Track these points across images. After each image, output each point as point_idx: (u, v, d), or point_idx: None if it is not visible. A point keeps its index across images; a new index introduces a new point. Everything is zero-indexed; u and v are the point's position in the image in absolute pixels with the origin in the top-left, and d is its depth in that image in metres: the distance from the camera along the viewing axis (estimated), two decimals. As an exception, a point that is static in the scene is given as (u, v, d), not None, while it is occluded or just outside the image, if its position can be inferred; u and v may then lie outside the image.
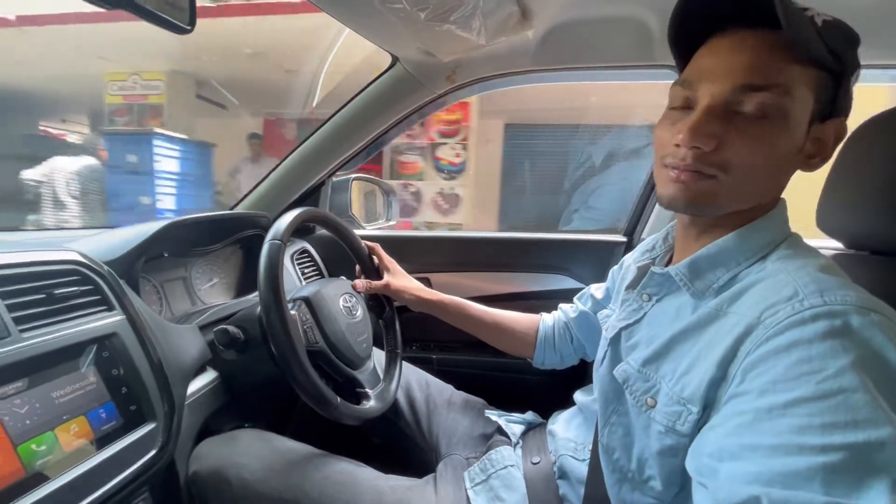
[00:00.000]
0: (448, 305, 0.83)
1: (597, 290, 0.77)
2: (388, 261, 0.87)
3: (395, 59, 0.98)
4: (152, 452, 0.53)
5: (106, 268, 0.58)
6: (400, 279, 0.86)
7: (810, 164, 0.43)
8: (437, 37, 0.79)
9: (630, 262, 0.65)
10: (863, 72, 0.86)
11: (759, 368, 0.36)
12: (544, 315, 0.84)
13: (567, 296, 0.87)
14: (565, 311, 0.82)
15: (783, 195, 0.48)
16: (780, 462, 0.31)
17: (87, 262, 0.56)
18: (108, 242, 0.70)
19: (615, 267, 0.72)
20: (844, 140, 0.59)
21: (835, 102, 0.41)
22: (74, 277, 0.54)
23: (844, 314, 0.34)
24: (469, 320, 0.83)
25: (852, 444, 0.30)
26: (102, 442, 0.49)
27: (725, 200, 0.43)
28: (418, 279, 1.13)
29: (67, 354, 0.50)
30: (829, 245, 0.62)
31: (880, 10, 0.73)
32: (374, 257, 0.87)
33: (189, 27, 0.57)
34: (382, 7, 0.71)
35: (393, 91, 1.04)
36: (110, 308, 0.56)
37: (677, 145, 0.42)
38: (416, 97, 1.05)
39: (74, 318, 0.52)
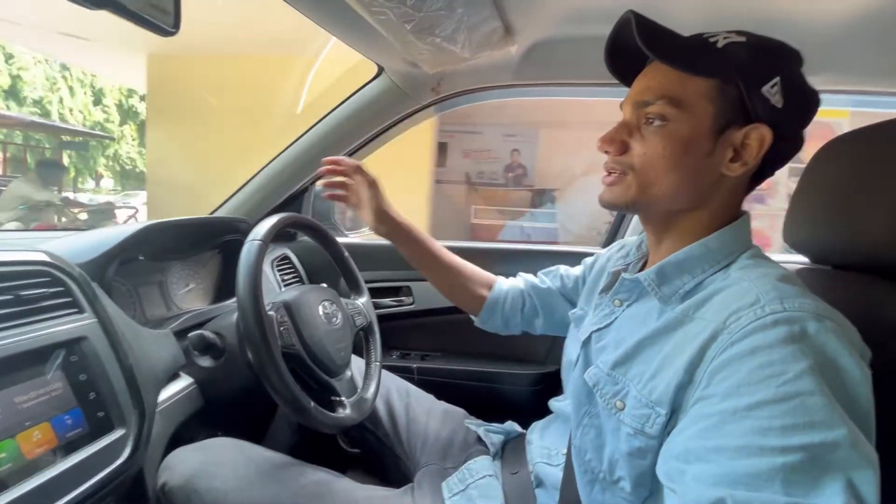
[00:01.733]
0: (412, 232, 0.77)
1: (566, 272, 0.79)
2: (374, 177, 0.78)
3: (380, 69, 1.00)
4: (120, 461, 0.51)
5: (77, 269, 0.56)
6: (375, 189, 0.76)
7: (732, 167, 0.46)
8: (423, 49, 0.80)
9: (604, 262, 0.69)
10: (833, 97, 0.91)
11: (723, 372, 0.37)
12: (500, 278, 0.82)
13: None
14: (530, 281, 0.81)
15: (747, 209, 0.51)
16: (743, 463, 0.33)
17: (57, 263, 0.54)
18: (81, 244, 0.68)
19: (589, 259, 0.75)
20: (811, 158, 0.63)
21: (748, 109, 0.44)
22: (43, 279, 0.53)
23: (802, 320, 0.37)
24: (426, 254, 0.78)
25: (810, 444, 0.32)
26: (67, 450, 0.48)
27: (636, 196, 0.49)
28: (398, 287, 1.13)
29: (33, 358, 0.48)
30: (794, 259, 0.65)
31: (839, 39, 0.78)
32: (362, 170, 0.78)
33: (174, 30, 0.57)
34: (369, 18, 0.72)
35: (377, 100, 1.05)
36: (80, 311, 0.54)
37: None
38: (401, 107, 1.07)
39: (42, 321, 0.50)
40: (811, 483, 0.31)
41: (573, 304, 0.75)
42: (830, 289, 0.58)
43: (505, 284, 0.81)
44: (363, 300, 0.89)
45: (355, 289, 0.90)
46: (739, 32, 0.46)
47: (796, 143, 0.48)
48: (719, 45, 0.45)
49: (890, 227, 0.52)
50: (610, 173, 0.51)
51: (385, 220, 0.76)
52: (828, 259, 0.64)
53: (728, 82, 0.44)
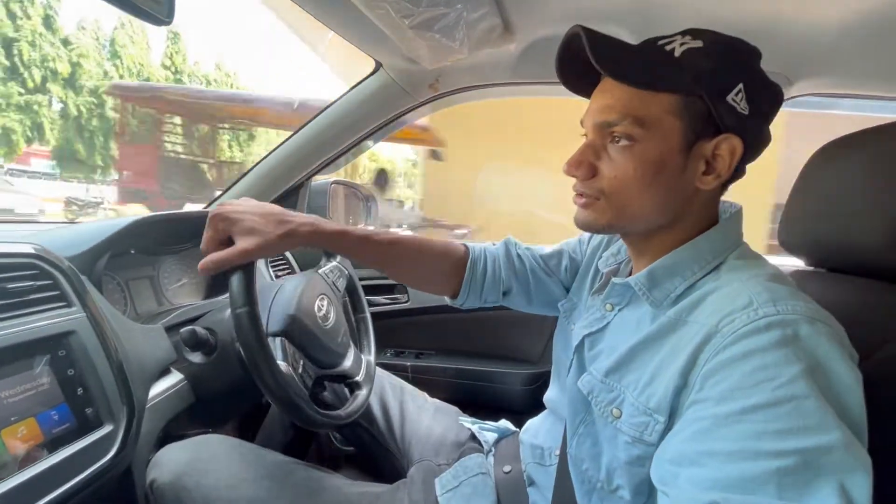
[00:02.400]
0: (351, 233, 0.61)
1: (541, 248, 0.72)
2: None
3: (378, 65, 0.99)
4: (107, 458, 0.50)
5: (66, 263, 0.55)
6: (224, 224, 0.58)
7: (705, 180, 0.45)
8: (421, 45, 0.80)
9: (595, 247, 0.66)
10: (824, 101, 0.91)
11: (717, 376, 0.37)
12: (472, 246, 0.71)
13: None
14: (509, 258, 0.71)
15: (742, 205, 0.50)
16: (737, 467, 0.33)
17: (45, 255, 0.53)
18: (71, 237, 0.67)
19: (583, 237, 0.70)
20: (807, 161, 0.63)
21: (716, 120, 0.43)
22: (31, 271, 0.52)
23: (795, 323, 0.36)
24: (379, 250, 0.64)
25: (803, 448, 0.31)
26: (53, 446, 0.47)
27: (612, 220, 0.47)
28: (393, 284, 1.12)
29: (19, 352, 0.47)
30: (789, 262, 0.65)
31: (832, 43, 0.78)
32: None
33: (168, 19, 0.56)
34: (368, 13, 0.72)
35: (375, 96, 1.04)
36: (69, 305, 0.53)
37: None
38: (398, 103, 1.06)
39: (29, 314, 0.49)
40: (804, 486, 0.31)
41: (559, 283, 0.70)
42: (825, 292, 0.58)
43: (481, 259, 0.70)
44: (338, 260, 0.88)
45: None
46: (694, 34, 0.44)
47: (765, 141, 0.46)
48: (676, 53, 0.43)
49: (885, 231, 0.52)
50: (579, 196, 0.49)
51: (317, 237, 0.59)
52: (823, 262, 0.64)
53: (692, 94, 0.43)
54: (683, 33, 0.44)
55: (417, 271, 0.68)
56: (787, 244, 0.65)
